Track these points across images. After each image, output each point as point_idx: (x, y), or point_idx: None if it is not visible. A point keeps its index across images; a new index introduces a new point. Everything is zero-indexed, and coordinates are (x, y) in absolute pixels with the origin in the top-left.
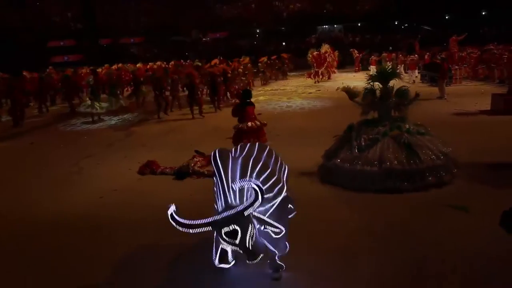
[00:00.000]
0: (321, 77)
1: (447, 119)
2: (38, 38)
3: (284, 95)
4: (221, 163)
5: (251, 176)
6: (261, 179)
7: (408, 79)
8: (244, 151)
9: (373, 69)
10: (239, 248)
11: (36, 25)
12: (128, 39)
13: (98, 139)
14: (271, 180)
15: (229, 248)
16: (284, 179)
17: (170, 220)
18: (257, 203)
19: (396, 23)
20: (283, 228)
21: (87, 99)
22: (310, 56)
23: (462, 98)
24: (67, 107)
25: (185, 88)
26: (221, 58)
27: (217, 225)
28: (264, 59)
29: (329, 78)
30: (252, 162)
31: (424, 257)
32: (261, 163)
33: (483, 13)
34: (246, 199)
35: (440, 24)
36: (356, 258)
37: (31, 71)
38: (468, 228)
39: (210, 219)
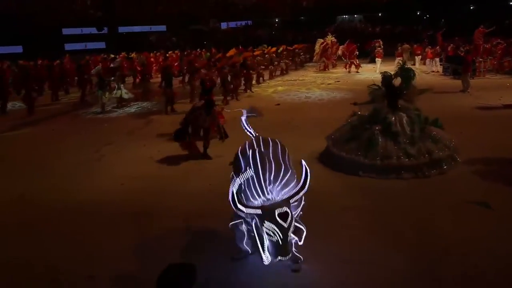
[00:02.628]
0: (357, 67)
1: (469, 113)
2: (57, 25)
3: (303, 86)
4: (261, 166)
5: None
6: (285, 179)
7: (427, 69)
8: (264, 147)
9: (379, 62)
10: (283, 235)
11: (55, 12)
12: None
13: (118, 127)
14: (291, 179)
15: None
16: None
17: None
18: (303, 191)
19: (418, 13)
20: (303, 228)
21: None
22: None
23: (486, 91)
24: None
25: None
26: (240, 47)
27: (269, 207)
28: (273, 49)
29: (325, 69)
30: (277, 165)
31: (445, 253)
32: (282, 164)
33: (510, 3)
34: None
35: (465, 14)
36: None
37: (49, 59)
38: (489, 226)
39: (262, 205)
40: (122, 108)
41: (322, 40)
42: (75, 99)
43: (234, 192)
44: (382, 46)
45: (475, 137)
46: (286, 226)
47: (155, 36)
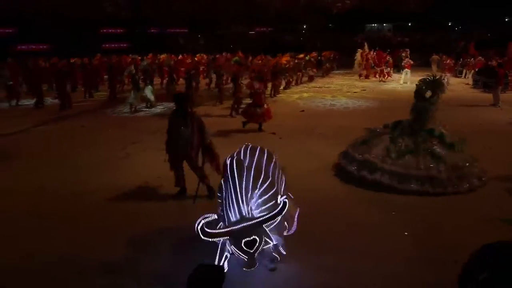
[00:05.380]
0: (386, 76)
1: (499, 128)
2: (90, 26)
3: (329, 93)
4: (237, 174)
5: (257, 187)
6: (262, 188)
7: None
8: (248, 156)
9: (407, 73)
10: (249, 256)
11: (89, 13)
12: (174, 29)
13: (143, 126)
14: (270, 191)
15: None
16: (282, 187)
17: (199, 232)
18: (279, 217)
19: (449, 24)
20: (274, 241)
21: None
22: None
23: None
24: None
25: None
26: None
27: (237, 235)
28: (302, 56)
29: (367, 77)
30: (257, 173)
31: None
32: (263, 173)
33: None
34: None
35: (500, 26)
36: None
37: (83, 57)
38: None
39: (230, 229)
40: (149, 108)
41: (361, 51)
42: (104, 98)
43: (203, 223)
44: (409, 56)
45: (505, 153)
46: (251, 252)
47: (183, 38)
